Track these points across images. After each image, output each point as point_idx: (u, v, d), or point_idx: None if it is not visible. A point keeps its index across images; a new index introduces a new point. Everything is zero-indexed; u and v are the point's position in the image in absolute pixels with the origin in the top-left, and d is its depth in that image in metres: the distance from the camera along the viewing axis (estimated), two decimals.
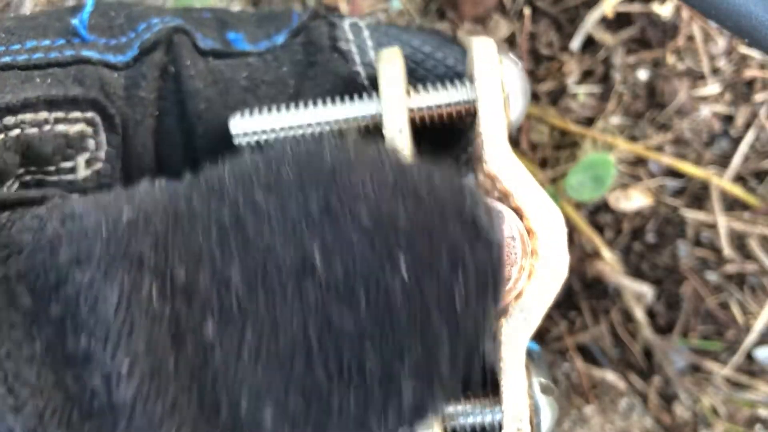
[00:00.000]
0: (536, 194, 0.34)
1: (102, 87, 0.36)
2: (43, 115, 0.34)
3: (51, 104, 0.34)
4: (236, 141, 0.38)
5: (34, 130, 0.34)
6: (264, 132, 0.37)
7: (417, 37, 0.40)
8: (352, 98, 0.37)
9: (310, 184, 0.25)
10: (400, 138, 0.35)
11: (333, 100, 0.38)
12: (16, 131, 0.34)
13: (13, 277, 0.26)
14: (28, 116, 0.34)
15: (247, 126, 0.37)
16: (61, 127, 0.35)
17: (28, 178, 0.37)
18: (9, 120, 0.33)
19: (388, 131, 0.35)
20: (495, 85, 0.35)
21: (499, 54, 0.36)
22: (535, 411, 0.34)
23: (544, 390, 0.34)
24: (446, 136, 0.42)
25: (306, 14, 0.41)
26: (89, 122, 0.36)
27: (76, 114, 0.36)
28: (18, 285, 0.26)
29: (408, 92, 0.37)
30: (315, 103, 0.38)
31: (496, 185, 0.35)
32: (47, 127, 0.35)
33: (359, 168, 0.26)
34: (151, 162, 0.40)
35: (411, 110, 0.37)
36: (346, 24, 0.40)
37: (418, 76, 0.40)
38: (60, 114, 0.35)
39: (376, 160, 0.26)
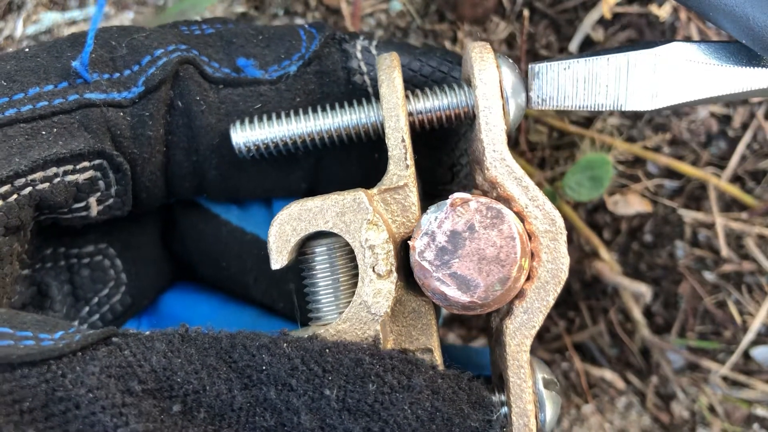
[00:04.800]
0: (537, 199, 0.35)
1: (109, 129, 0.36)
2: (53, 170, 0.34)
3: (59, 162, 0.34)
4: (237, 150, 0.38)
5: (45, 185, 0.34)
6: (264, 141, 0.38)
7: (428, 62, 0.40)
8: (351, 105, 0.38)
9: (352, 411, 0.30)
10: (401, 147, 0.36)
11: (333, 107, 0.38)
12: (28, 189, 0.34)
13: None
14: (38, 175, 0.34)
15: (247, 137, 0.38)
16: (70, 178, 0.35)
17: (42, 218, 0.37)
18: (19, 181, 0.33)
19: (390, 140, 0.36)
20: (494, 91, 0.36)
21: (497, 58, 0.37)
22: (539, 406, 0.35)
23: (547, 385, 0.36)
24: (436, 137, 0.43)
25: (315, 37, 0.40)
26: (97, 168, 0.36)
27: (84, 164, 0.35)
28: None
29: (408, 96, 0.37)
30: (315, 111, 0.38)
31: (498, 190, 0.36)
32: (57, 180, 0.35)
33: (399, 399, 0.30)
34: (160, 192, 0.40)
35: (410, 114, 0.37)
36: (358, 51, 0.40)
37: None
38: (69, 167, 0.35)
39: (414, 389, 0.31)
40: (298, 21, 0.58)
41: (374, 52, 0.40)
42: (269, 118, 0.38)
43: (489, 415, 0.32)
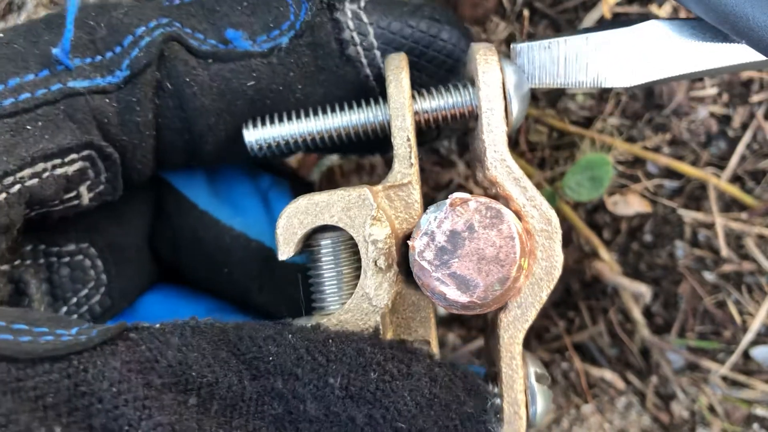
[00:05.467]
0: (534, 199, 0.36)
1: (95, 117, 0.35)
2: (41, 166, 0.34)
3: (47, 157, 0.34)
4: (249, 149, 0.39)
5: (34, 181, 0.34)
6: (276, 139, 0.39)
7: (418, 26, 0.40)
8: (360, 105, 0.39)
9: (355, 398, 0.30)
10: (407, 146, 0.37)
11: (341, 107, 0.39)
12: (17, 186, 0.33)
13: (98, 428, 0.28)
14: (26, 172, 0.33)
15: (259, 135, 0.39)
16: (59, 171, 0.35)
17: (33, 214, 0.36)
18: (8, 180, 0.33)
19: (396, 139, 0.37)
20: (496, 93, 0.37)
21: (500, 60, 0.38)
22: (531, 399, 0.37)
23: (539, 379, 0.37)
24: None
25: (303, 3, 0.39)
26: (86, 158, 0.35)
27: (73, 156, 0.35)
28: None
29: (414, 96, 0.39)
30: (324, 111, 0.39)
31: (497, 188, 0.37)
32: (46, 174, 0.34)
33: (399, 386, 0.31)
34: (151, 171, 0.39)
35: (416, 113, 0.38)
36: (349, 19, 0.39)
37: (419, 67, 0.41)
38: (57, 161, 0.34)
39: (413, 377, 0.32)
40: None
41: (365, 19, 0.40)
42: (280, 118, 0.39)
43: (484, 402, 0.33)
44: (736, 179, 0.59)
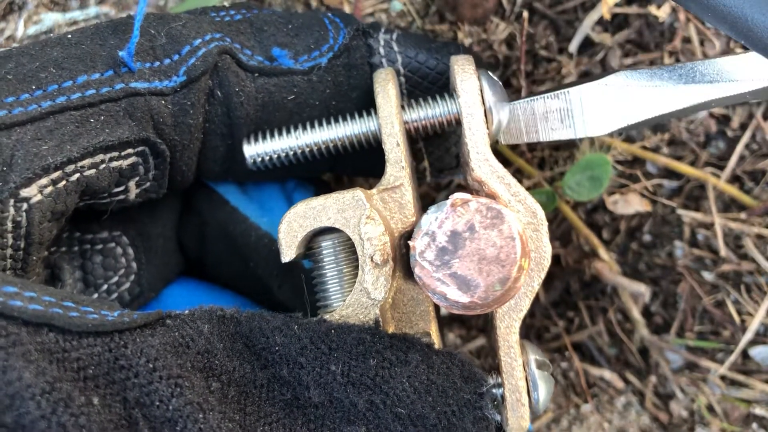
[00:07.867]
0: (519, 194, 0.39)
1: (151, 116, 0.37)
2: (100, 157, 0.36)
3: (106, 149, 0.36)
4: (249, 162, 0.42)
5: (91, 171, 0.36)
6: (274, 152, 0.42)
7: (443, 60, 0.43)
8: (353, 117, 0.42)
9: (356, 385, 0.32)
10: (397, 151, 0.39)
11: (336, 120, 0.42)
12: (76, 175, 0.35)
13: (132, 401, 0.29)
14: (86, 162, 0.35)
15: (259, 149, 0.42)
16: (115, 164, 0.37)
17: (81, 204, 0.38)
18: (69, 168, 0.35)
19: (386, 145, 0.39)
20: (475, 99, 0.40)
21: (478, 70, 0.40)
22: (532, 384, 0.38)
23: (540, 366, 0.39)
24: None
25: (341, 27, 0.42)
26: (140, 154, 0.38)
27: (129, 150, 0.37)
28: (135, 410, 0.29)
29: (403, 107, 0.41)
30: (320, 124, 0.42)
31: (484, 188, 0.39)
32: (103, 166, 0.36)
33: (397, 373, 0.33)
34: (194, 175, 0.42)
35: (405, 123, 0.41)
36: (381, 46, 0.43)
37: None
38: (114, 154, 0.37)
39: (411, 364, 0.33)
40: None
41: (395, 48, 0.43)
42: (279, 132, 0.42)
43: (479, 388, 0.35)
44: (735, 179, 0.59)
